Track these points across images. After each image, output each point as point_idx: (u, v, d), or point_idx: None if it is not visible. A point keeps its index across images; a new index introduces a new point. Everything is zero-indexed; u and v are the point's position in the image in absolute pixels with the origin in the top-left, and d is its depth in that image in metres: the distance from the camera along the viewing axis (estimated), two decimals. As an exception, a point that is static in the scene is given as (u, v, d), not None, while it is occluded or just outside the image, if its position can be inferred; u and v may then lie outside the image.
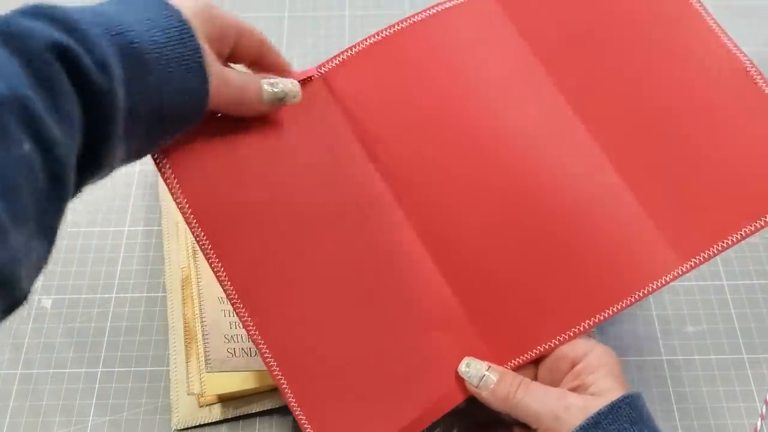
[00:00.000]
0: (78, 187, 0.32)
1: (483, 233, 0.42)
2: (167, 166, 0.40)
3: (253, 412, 0.50)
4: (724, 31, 0.45)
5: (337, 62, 0.45)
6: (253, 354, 0.50)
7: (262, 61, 0.42)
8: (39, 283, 0.56)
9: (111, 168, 0.34)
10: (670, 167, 0.43)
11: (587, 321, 0.41)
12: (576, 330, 0.41)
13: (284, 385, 0.40)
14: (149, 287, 0.56)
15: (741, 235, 0.41)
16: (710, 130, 0.43)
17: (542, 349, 0.41)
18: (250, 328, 0.40)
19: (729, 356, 0.53)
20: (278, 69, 0.43)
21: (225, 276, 0.40)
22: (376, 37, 0.46)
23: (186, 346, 0.51)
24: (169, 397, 0.51)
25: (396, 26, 0.46)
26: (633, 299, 0.41)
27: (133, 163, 0.61)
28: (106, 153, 0.32)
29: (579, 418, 0.37)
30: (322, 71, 0.45)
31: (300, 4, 0.74)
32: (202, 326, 0.50)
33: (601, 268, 0.42)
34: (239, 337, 0.50)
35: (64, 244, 0.58)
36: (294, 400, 0.40)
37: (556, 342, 0.41)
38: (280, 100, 0.41)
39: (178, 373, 0.51)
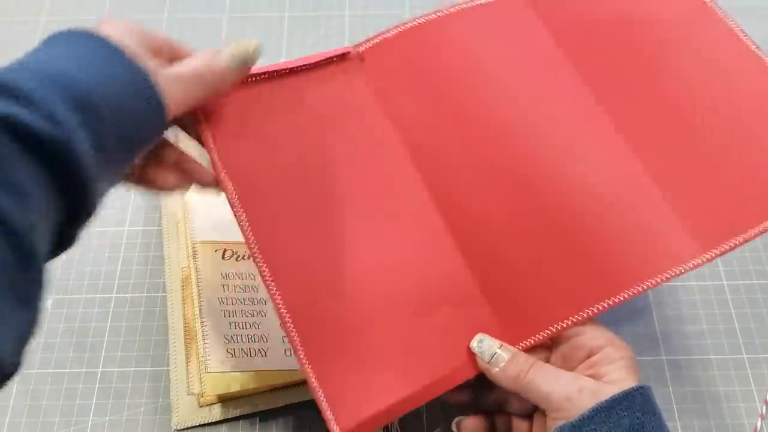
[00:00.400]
0: (72, 238, 0.33)
1: (502, 215, 0.43)
2: (205, 124, 0.42)
3: (253, 412, 0.50)
4: (744, 32, 0.46)
5: (374, 43, 0.47)
6: (252, 354, 0.50)
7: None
8: (39, 283, 0.56)
9: (101, 200, 0.33)
10: (694, 160, 0.43)
11: (600, 304, 0.40)
12: (588, 312, 0.40)
13: (295, 338, 0.40)
14: (149, 287, 0.56)
15: (762, 229, 0.41)
16: (733, 127, 0.44)
17: (554, 330, 0.41)
18: (266, 277, 0.41)
19: (729, 356, 0.53)
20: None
21: (248, 225, 0.41)
22: (413, 22, 0.47)
23: (186, 346, 0.51)
24: (169, 397, 0.51)
25: (431, 15, 0.48)
26: (646, 286, 0.40)
27: (133, 163, 0.62)
28: (88, 192, 0.31)
29: (591, 402, 0.37)
30: (360, 50, 0.47)
31: (300, 4, 0.74)
32: (202, 326, 0.50)
33: (617, 252, 0.41)
34: (239, 337, 0.50)
35: (64, 244, 0.58)
36: (304, 355, 0.40)
37: (568, 323, 0.40)
38: (244, 61, 0.40)
39: (178, 373, 0.51)
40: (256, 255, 0.41)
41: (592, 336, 0.40)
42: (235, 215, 0.41)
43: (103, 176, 0.32)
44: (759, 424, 0.50)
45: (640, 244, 0.41)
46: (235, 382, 0.49)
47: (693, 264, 0.41)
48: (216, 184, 0.42)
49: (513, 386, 0.40)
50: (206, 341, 0.49)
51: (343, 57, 0.47)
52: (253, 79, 0.44)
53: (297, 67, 0.46)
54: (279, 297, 0.41)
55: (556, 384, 0.38)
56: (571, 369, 0.40)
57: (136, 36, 0.36)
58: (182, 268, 0.54)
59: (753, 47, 0.45)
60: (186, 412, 0.50)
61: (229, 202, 0.41)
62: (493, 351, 0.40)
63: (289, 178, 0.43)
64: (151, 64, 0.35)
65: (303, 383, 0.50)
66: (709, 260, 0.41)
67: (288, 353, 0.51)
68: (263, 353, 0.51)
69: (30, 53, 0.33)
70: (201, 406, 0.50)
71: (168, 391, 0.51)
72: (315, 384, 0.39)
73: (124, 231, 0.59)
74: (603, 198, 0.42)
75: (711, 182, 0.43)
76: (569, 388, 0.38)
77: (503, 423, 0.44)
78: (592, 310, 0.40)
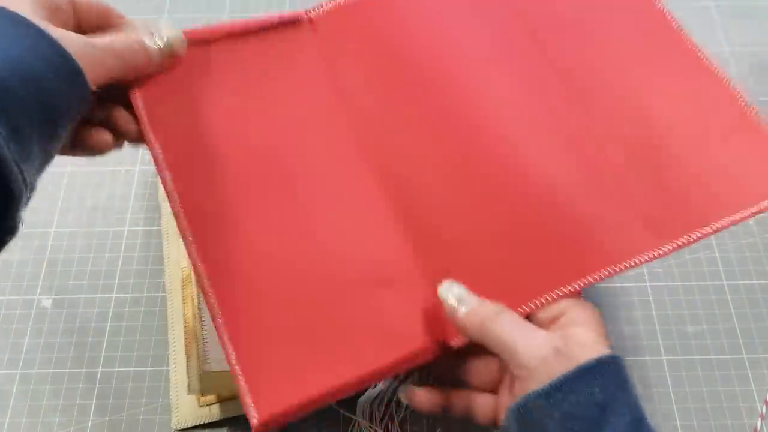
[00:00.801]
0: (12, 227, 0.32)
1: (449, 196, 0.41)
2: (138, 97, 0.40)
3: (253, 412, 0.50)
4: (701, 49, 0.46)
5: (325, 9, 0.46)
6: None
7: (110, 26, 0.39)
8: (39, 282, 0.56)
9: (33, 182, 0.32)
10: (652, 158, 0.43)
11: (545, 296, 0.38)
12: (534, 304, 0.38)
13: (217, 313, 0.37)
14: (149, 287, 0.56)
15: (720, 225, 0.40)
16: (693, 135, 0.43)
17: None
18: (189, 240, 0.38)
19: (729, 356, 0.53)
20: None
21: (177, 196, 0.39)
22: None
23: (186, 346, 0.51)
24: (169, 397, 0.51)
25: None
26: (598, 277, 0.39)
27: (133, 163, 0.62)
28: (8, 177, 0.30)
29: (563, 367, 0.33)
30: (311, 15, 0.46)
31: (300, 4, 0.73)
32: (202, 326, 0.50)
33: (573, 241, 0.40)
34: (239, 337, 0.50)
35: (65, 244, 0.58)
36: (227, 334, 0.36)
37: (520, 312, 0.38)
38: (170, 52, 0.39)
39: (178, 373, 0.51)
40: (180, 217, 0.39)
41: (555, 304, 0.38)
42: (161, 178, 0.39)
43: (24, 157, 0.31)
44: (759, 424, 0.50)
45: (596, 234, 0.40)
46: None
47: (647, 256, 0.39)
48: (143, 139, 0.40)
49: (478, 334, 0.36)
50: (206, 341, 0.49)
51: (293, 23, 0.45)
52: (194, 40, 0.41)
53: (241, 29, 0.44)
54: (203, 268, 0.38)
55: (529, 339, 0.35)
56: None
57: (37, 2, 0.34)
58: (182, 268, 0.54)
59: (711, 62, 0.45)
60: (186, 412, 0.50)
61: (154, 162, 0.39)
62: (461, 295, 0.37)
63: (224, 143, 0.41)
64: (58, 31, 0.32)
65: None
66: (665, 253, 0.40)
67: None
68: (263, 353, 0.50)
69: None
70: (201, 406, 0.50)
71: (168, 391, 0.51)
72: (236, 368, 0.35)
73: (124, 231, 0.59)
74: (559, 187, 0.41)
75: (671, 178, 0.42)
76: (545, 350, 0.34)
77: (462, 400, 0.39)
78: (537, 303, 0.38)
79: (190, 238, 0.38)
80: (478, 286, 0.38)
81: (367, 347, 0.38)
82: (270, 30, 0.45)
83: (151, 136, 0.40)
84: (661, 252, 0.40)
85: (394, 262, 0.40)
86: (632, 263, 0.39)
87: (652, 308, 0.55)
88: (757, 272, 0.57)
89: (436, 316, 0.38)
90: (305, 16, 0.46)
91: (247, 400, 0.35)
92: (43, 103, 0.31)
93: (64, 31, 0.34)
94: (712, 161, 0.42)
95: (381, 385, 0.48)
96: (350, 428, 0.49)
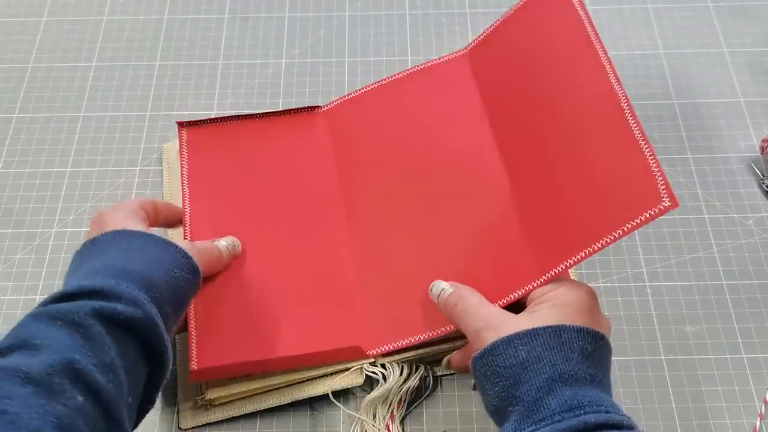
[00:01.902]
0: (153, 399, 0.40)
1: (394, 241, 0.52)
2: (184, 138, 0.58)
3: (254, 411, 0.50)
4: (612, 63, 0.46)
5: (336, 104, 0.60)
6: (253, 354, 0.50)
7: (176, 223, 0.54)
8: (40, 282, 0.56)
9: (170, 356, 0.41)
10: (549, 189, 0.46)
11: (443, 327, 0.48)
12: (436, 332, 0.48)
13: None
14: (150, 287, 0.56)
15: (596, 248, 0.42)
16: (580, 156, 0.45)
17: (408, 342, 0.49)
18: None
19: (728, 356, 0.53)
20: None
21: (188, 216, 0.54)
22: (370, 86, 0.59)
23: (186, 346, 0.51)
24: (169, 397, 0.51)
25: (386, 79, 0.59)
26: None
27: (133, 163, 0.62)
28: (165, 351, 0.39)
29: (493, 337, 0.40)
30: (324, 109, 0.61)
31: (300, 4, 0.74)
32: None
33: (475, 269, 0.48)
34: (239, 337, 0.51)
35: (65, 245, 0.58)
36: (192, 312, 0.49)
37: (423, 337, 0.48)
38: (233, 251, 0.52)
39: (179, 374, 0.51)
40: (186, 236, 0.53)
41: (555, 282, 0.43)
42: (183, 208, 0.54)
43: (168, 334, 0.41)
44: (758, 423, 0.50)
45: (496, 263, 0.47)
46: (236, 383, 0.49)
47: (532, 287, 0.44)
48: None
49: (449, 317, 0.45)
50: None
51: (311, 109, 0.60)
52: (232, 119, 0.59)
53: (270, 112, 0.60)
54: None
55: (470, 317, 0.43)
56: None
57: (146, 211, 0.48)
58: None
59: (614, 83, 0.45)
60: (187, 412, 0.50)
61: (183, 202, 0.55)
62: (441, 287, 0.46)
63: (234, 190, 0.56)
64: (185, 243, 0.46)
65: (303, 383, 0.50)
66: (543, 283, 0.44)
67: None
68: (263, 353, 0.51)
69: (105, 255, 0.42)
70: (201, 406, 0.50)
71: (171, 391, 0.51)
72: (193, 332, 0.49)
73: (124, 231, 0.59)
74: (476, 220, 0.50)
75: (558, 207, 0.45)
76: (477, 324, 0.42)
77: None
78: (437, 332, 0.48)
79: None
80: (394, 313, 0.50)
81: (293, 338, 0.49)
82: (291, 113, 0.60)
83: (185, 183, 0.56)
84: (540, 282, 0.44)
85: (342, 289, 0.52)
86: (518, 294, 0.45)
87: (651, 308, 0.55)
88: (756, 272, 0.57)
89: (359, 328, 0.50)
90: (322, 108, 0.60)
91: (193, 352, 0.48)
92: (176, 292, 0.43)
93: (182, 240, 0.49)
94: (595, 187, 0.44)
95: (385, 385, 0.48)
96: (352, 427, 0.49)
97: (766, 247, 0.58)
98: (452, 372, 0.51)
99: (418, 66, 0.59)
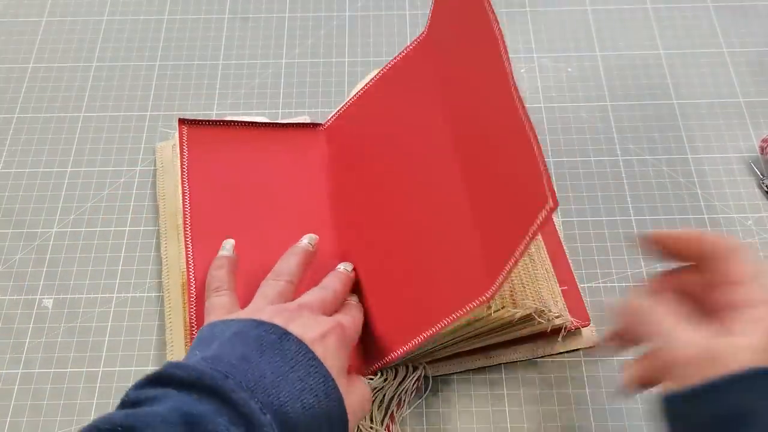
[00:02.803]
0: None
1: (374, 252, 0.52)
2: (185, 135, 0.58)
3: (254, 411, 0.50)
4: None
5: (333, 120, 0.61)
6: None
7: None
8: (40, 282, 0.56)
9: None
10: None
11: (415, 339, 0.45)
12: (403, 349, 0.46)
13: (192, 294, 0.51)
14: (150, 287, 0.56)
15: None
16: (496, 158, 0.44)
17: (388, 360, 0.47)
18: (190, 256, 0.53)
19: (728, 356, 0.53)
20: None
21: (188, 218, 0.54)
22: (357, 94, 0.60)
23: (186, 346, 0.51)
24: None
25: (370, 82, 0.60)
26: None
27: (133, 163, 0.62)
28: None
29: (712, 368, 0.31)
30: (325, 126, 0.62)
31: (300, 3, 0.74)
32: (202, 326, 0.50)
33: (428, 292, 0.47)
34: (240, 337, 0.51)
35: (65, 245, 0.58)
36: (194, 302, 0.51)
37: (392, 357, 0.46)
38: (314, 246, 0.52)
39: (178, 373, 0.51)
40: (186, 234, 0.54)
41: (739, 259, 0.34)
42: (183, 208, 0.55)
43: None
44: (758, 423, 0.50)
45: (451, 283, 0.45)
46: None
47: (485, 298, 0.41)
48: None
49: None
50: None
51: (314, 125, 0.62)
52: (239, 125, 0.60)
53: (275, 123, 0.62)
54: (192, 274, 0.52)
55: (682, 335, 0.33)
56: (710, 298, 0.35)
57: (346, 347, 0.43)
58: (182, 271, 0.54)
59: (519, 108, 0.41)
60: (187, 411, 0.50)
61: (182, 198, 0.55)
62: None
63: (232, 193, 0.56)
64: (343, 381, 0.41)
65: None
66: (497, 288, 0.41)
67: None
68: (264, 353, 0.51)
69: (255, 355, 0.39)
70: (202, 406, 0.50)
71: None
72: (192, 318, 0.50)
73: (125, 231, 0.59)
74: (432, 242, 0.48)
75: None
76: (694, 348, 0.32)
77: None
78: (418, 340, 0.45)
79: (190, 247, 0.53)
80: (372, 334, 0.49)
81: None
82: (293, 126, 0.62)
83: (185, 183, 0.56)
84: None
85: None
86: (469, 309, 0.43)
87: (651, 308, 0.55)
88: (756, 272, 0.57)
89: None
90: (324, 125, 0.62)
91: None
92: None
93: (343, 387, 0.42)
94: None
95: (382, 387, 0.48)
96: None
97: (766, 247, 0.58)
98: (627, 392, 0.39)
99: (390, 62, 0.58)
